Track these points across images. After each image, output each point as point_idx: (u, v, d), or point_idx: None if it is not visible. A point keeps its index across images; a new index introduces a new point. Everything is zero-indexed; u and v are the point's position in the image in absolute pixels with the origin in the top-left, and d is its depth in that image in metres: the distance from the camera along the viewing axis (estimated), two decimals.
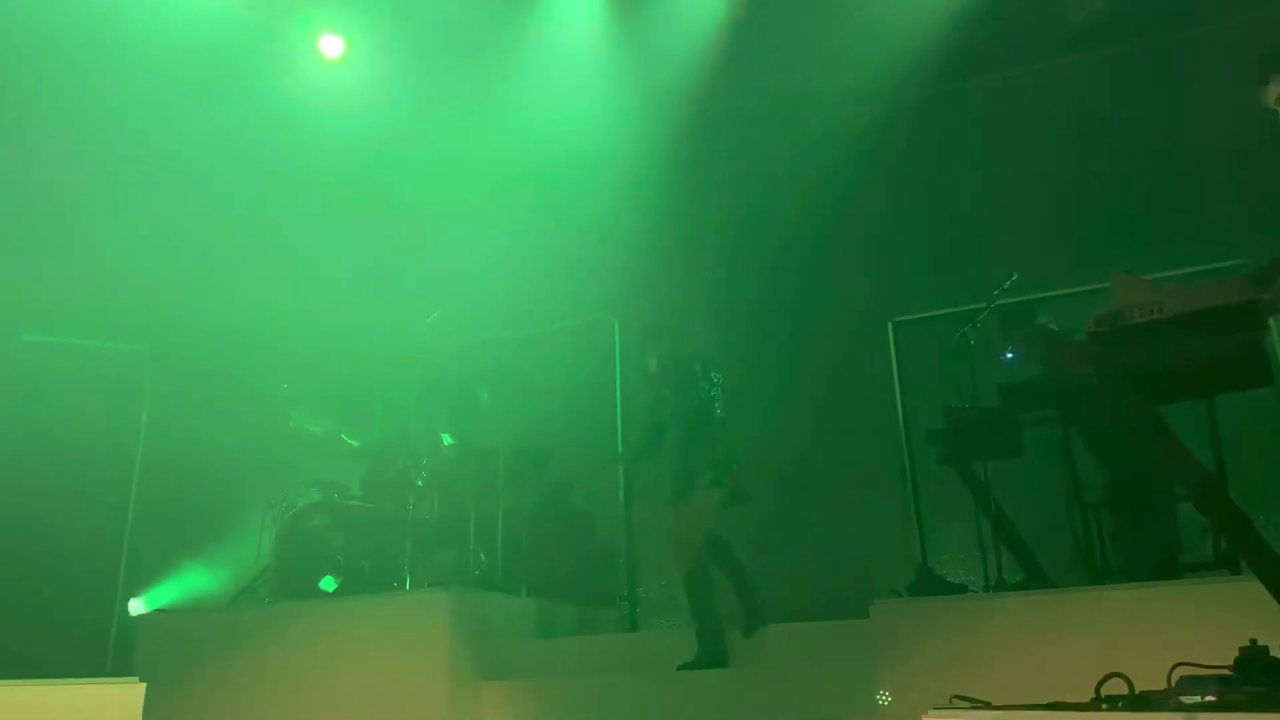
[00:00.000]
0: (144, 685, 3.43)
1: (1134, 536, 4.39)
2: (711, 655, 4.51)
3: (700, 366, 4.84)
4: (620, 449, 6.33)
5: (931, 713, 2.82)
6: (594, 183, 7.17)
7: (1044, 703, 2.26)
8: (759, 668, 4.45)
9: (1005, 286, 4.86)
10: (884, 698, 3.96)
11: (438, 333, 5.99)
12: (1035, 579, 4.50)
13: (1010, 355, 4.99)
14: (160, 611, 5.85)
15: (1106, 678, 2.14)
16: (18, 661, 4.10)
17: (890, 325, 5.89)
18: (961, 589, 4.72)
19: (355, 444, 6.23)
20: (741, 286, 6.93)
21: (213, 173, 6.40)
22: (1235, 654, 2.10)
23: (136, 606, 6.19)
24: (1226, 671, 2.03)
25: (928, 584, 4.48)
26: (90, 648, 5.68)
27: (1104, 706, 2.08)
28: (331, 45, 6.73)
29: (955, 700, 2.39)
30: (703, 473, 4.63)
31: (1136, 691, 2.10)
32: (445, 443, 5.97)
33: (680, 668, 4.46)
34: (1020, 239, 6.25)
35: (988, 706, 2.33)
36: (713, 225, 7.09)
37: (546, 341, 6.83)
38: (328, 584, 5.36)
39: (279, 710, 4.60)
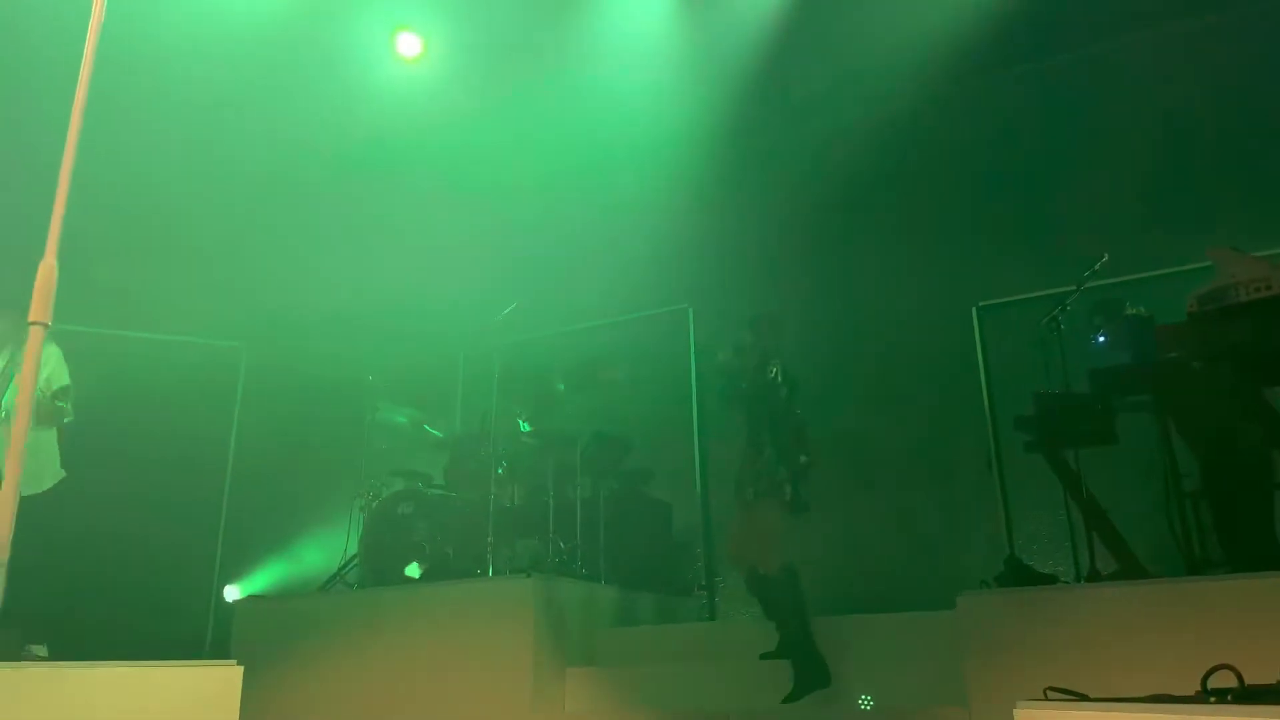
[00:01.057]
0: (241, 668, 3.57)
1: (1234, 526, 4.19)
2: (811, 675, 4.19)
3: (778, 368, 4.69)
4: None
5: (1023, 705, 2.75)
6: (667, 172, 7.10)
7: (1144, 696, 2.17)
8: (843, 659, 4.39)
9: (1095, 268, 4.68)
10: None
11: (515, 324, 6.01)
12: (1131, 569, 4.34)
13: (1102, 339, 4.80)
14: (254, 598, 6.05)
15: (1214, 669, 2.04)
16: (124, 645, 4.30)
17: (975, 310, 5.74)
18: (1052, 579, 4.57)
19: (438, 435, 6.36)
20: (821, 273, 6.76)
21: (297, 172, 6.58)
22: None
23: (232, 593, 6.41)
24: None
25: (1017, 574, 4.35)
26: (189, 632, 5.93)
27: (1211, 700, 1.99)
28: (409, 44, 6.80)
29: (1049, 693, 2.32)
30: (769, 476, 4.44)
31: (1246, 685, 2.00)
32: (524, 431, 6.02)
33: (763, 657, 4.43)
34: (1109, 219, 6.02)
35: (1084, 699, 2.25)
36: (790, 212, 6.93)
37: (622, 331, 6.85)
38: (413, 570, 5.49)
39: (369, 692, 4.72)
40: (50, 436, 4.99)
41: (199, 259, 6.15)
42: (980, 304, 5.75)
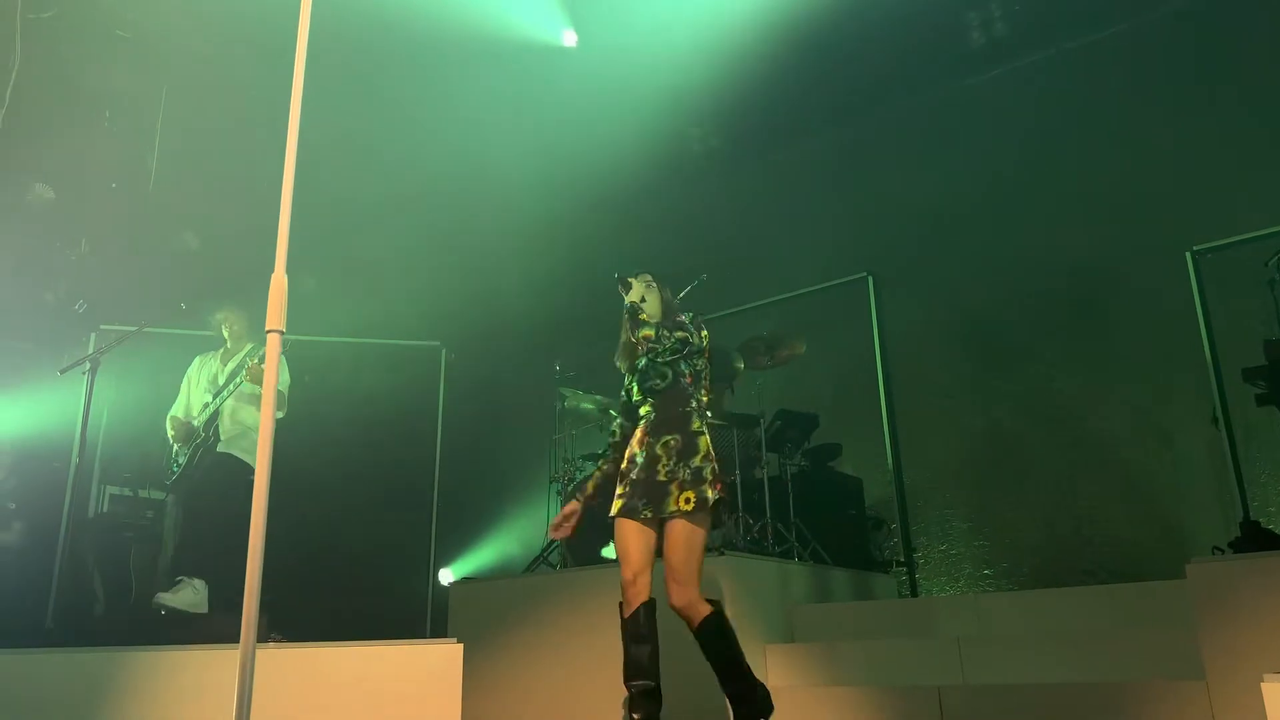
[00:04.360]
0: (461, 645, 3.82)
1: None
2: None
3: (691, 318, 3.74)
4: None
5: (1272, 677, 2.52)
6: (838, 135, 6.97)
7: None
8: (1064, 634, 4.16)
9: None
10: None
11: (691, 305, 6.01)
12: None
13: None
14: (466, 580, 6.40)
15: None
16: (351, 629, 4.65)
17: (1189, 254, 5.26)
18: None
19: (618, 419, 6.47)
20: (1013, 233, 6.35)
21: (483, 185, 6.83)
22: None
23: (446, 576, 6.80)
24: None
25: (1255, 538, 3.97)
26: (410, 614, 6.27)
27: None
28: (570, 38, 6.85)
29: None
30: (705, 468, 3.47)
31: None
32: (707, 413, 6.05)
33: None
34: None
35: None
36: (965, 168, 6.53)
37: (801, 305, 6.72)
38: (609, 551, 5.64)
39: (574, 667, 4.90)
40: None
41: (396, 266, 6.48)
42: (1194, 247, 5.25)
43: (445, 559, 6.88)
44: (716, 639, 3.44)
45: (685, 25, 6.19)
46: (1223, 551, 3.96)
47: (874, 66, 6.44)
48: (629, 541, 3.53)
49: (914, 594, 6.07)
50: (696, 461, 3.48)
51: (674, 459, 3.48)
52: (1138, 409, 5.76)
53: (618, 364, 3.90)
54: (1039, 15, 6.22)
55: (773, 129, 6.99)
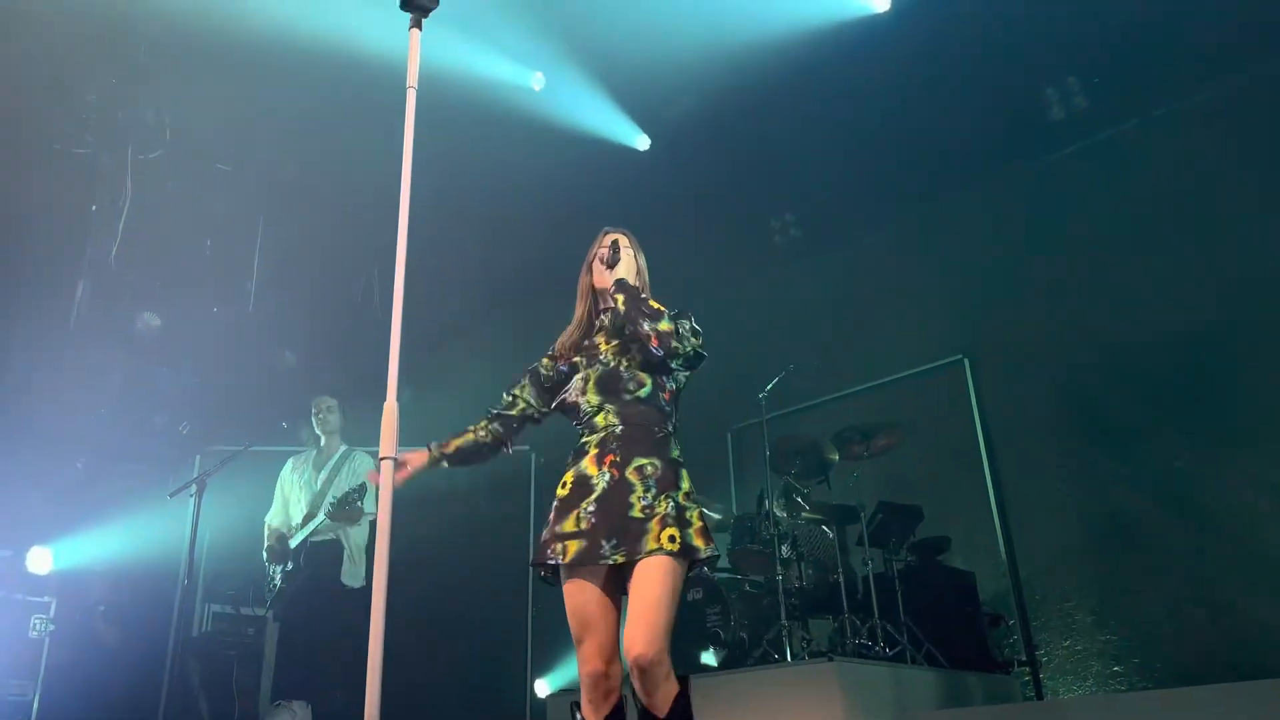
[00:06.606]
0: None
1: None
2: None
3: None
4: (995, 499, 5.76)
5: None
6: (923, 213, 6.79)
7: None
8: None
9: None
10: None
11: (781, 396, 5.90)
12: None
13: None
14: (564, 692, 6.21)
15: None
16: None
17: None
18: None
19: (716, 516, 6.32)
20: (1117, 303, 5.95)
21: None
22: None
23: (542, 688, 6.62)
24: None
25: None
26: None
27: None
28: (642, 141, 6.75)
29: None
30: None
31: None
32: (803, 507, 5.82)
33: None
34: None
35: None
36: (1074, 237, 6.19)
37: (894, 391, 6.52)
38: (710, 657, 5.41)
39: None
40: (360, 534, 5.38)
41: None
42: None
43: (541, 669, 6.71)
44: None
45: (771, 108, 6.15)
46: None
47: (961, 141, 6.31)
48: (590, 605, 2.60)
49: (1039, 696, 5.65)
50: (680, 498, 2.67)
51: (652, 490, 2.65)
52: (1273, 485, 5.33)
53: (556, 348, 2.99)
54: (1136, 79, 6.03)
55: (855, 213, 6.87)
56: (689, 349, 2.78)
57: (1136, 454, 5.79)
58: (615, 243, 2.97)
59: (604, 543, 2.60)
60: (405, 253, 2.18)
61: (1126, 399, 5.91)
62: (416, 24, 2.39)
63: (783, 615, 5.18)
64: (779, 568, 5.31)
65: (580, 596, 2.62)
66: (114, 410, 6.19)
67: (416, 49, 2.37)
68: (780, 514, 5.72)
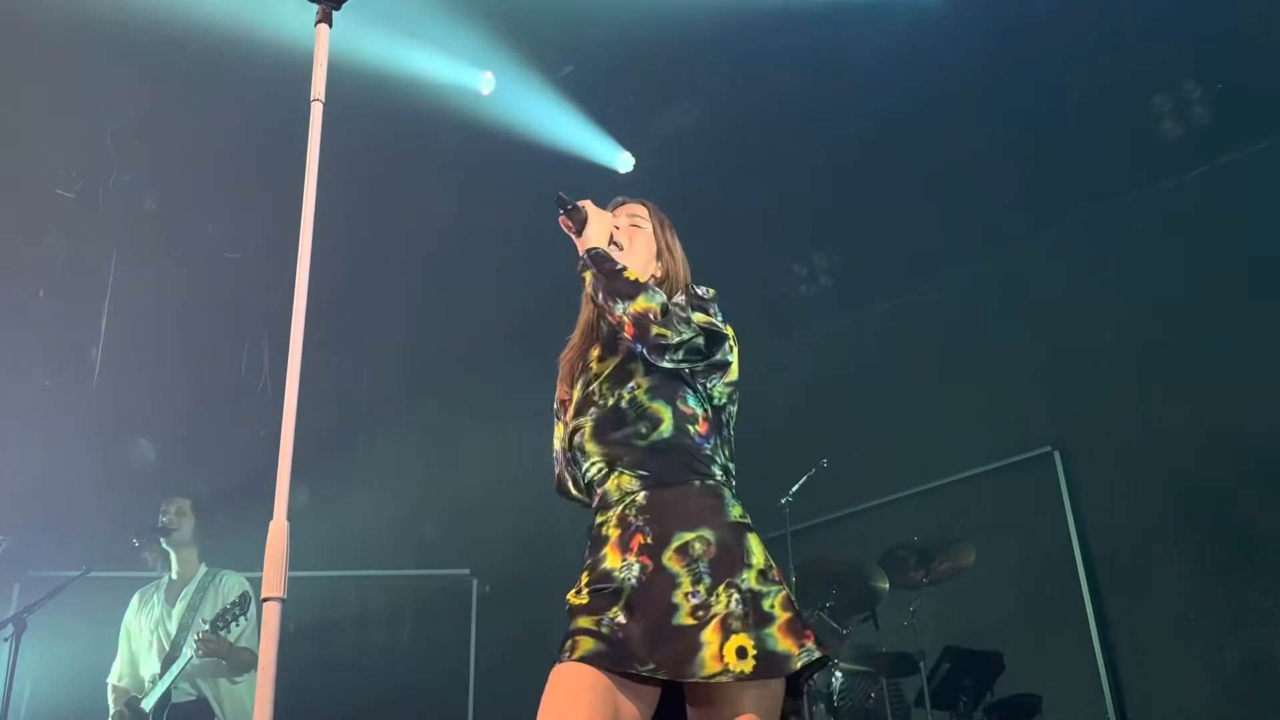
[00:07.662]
0: None
1: None
2: None
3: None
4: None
5: None
6: (988, 265, 5.97)
7: None
8: None
9: None
10: None
11: (813, 501, 5.16)
12: None
13: None
14: None
15: None
16: None
17: None
18: None
19: None
20: (1243, 379, 5.07)
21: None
22: None
23: None
24: None
25: None
26: None
27: None
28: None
29: None
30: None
31: None
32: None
33: None
34: None
35: None
36: (1189, 294, 5.36)
37: (960, 494, 5.71)
38: None
39: None
40: (240, 692, 4.64)
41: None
42: None
43: None
44: None
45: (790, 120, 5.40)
46: None
47: (1067, 167, 5.51)
48: (581, 705, 1.86)
49: None
50: (751, 581, 1.94)
51: (705, 579, 1.93)
52: None
53: (560, 370, 2.37)
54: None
55: (902, 258, 5.99)
56: (680, 339, 2.05)
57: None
58: (563, 198, 2.28)
59: (638, 649, 1.90)
60: (304, 312, 1.73)
61: (1276, 507, 5.02)
62: (325, 18, 1.95)
63: None
64: None
65: (574, 687, 1.87)
66: None
67: (324, 52, 1.94)
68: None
